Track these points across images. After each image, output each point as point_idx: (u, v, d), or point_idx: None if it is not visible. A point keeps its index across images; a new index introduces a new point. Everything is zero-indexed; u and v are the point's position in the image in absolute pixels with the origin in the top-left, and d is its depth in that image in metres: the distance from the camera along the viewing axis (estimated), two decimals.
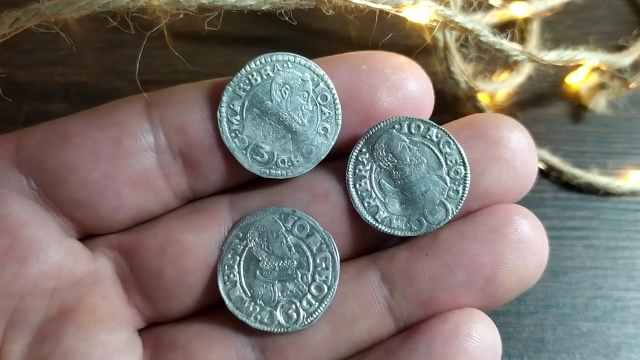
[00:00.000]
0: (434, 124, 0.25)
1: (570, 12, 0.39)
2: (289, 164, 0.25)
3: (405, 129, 0.25)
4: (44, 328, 0.24)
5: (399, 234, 0.25)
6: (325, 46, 0.38)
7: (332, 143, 0.25)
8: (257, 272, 0.25)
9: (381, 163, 0.25)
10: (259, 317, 0.24)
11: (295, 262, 0.25)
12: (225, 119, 0.24)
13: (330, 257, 0.25)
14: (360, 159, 0.25)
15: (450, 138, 0.24)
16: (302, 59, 0.25)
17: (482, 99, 0.36)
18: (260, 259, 0.25)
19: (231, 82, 0.24)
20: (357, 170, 0.25)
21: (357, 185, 0.25)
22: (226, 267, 0.25)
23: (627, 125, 0.37)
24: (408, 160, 0.25)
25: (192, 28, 0.29)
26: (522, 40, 0.37)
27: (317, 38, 0.38)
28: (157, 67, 0.36)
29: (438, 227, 0.25)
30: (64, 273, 0.24)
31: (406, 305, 0.24)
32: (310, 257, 0.25)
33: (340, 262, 0.25)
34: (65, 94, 0.36)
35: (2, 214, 0.24)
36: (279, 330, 0.24)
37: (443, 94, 0.35)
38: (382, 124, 0.24)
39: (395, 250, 0.25)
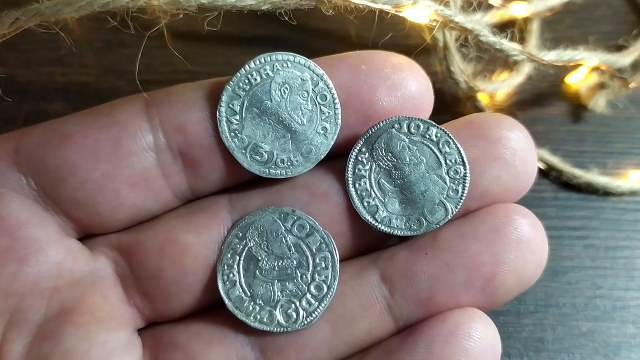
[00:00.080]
0: (434, 123, 0.24)
1: (570, 12, 0.39)
2: (289, 163, 0.25)
3: (405, 129, 0.25)
4: (43, 328, 0.24)
5: (399, 233, 0.25)
6: (325, 46, 0.38)
7: (332, 143, 0.25)
8: (257, 272, 0.25)
9: (381, 163, 0.25)
10: (258, 317, 0.24)
11: (295, 262, 0.25)
12: (225, 119, 0.24)
13: (330, 257, 0.25)
14: (360, 158, 0.25)
15: (450, 138, 0.24)
16: (301, 59, 0.25)
17: (482, 99, 0.36)
18: (260, 258, 0.25)
19: (231, 82, 0.24)
20: (356, 170, 0.25)
21: (357, 185, 0.25)
22: (226, 267, 0.25)
23: (627, 125, 0.37)
24: (408, 160, 0.25)
25: (192, 28, 0.29)
26: (522, 40, 0.37)
27: (317, 38, 0.38)
28: (157, 67, 0.36)
29: (438, 226, 0.25)
30: (64, 273, 0.24)
31: (406, 305, 0.24)
32: (310, 257, 0.25)
33: (340, 262, 0.25)
34: (65, 94, 0.36)
35: (2, 214, 0.24)
36: (279, 330, 0.24)
37: (443, 94, 0.35)
38: (381, 123, 0.24)
39: (395, 250, 0.25)
